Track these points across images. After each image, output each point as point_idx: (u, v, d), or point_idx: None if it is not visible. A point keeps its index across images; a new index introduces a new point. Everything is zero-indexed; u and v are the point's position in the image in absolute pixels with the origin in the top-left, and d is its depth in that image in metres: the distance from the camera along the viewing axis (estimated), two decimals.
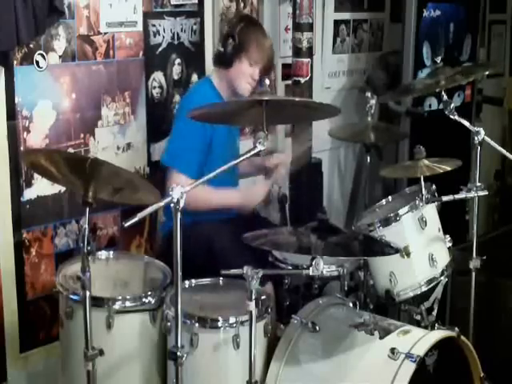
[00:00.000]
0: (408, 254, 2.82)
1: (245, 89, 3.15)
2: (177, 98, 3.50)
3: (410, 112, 4.24)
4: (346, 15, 4.46)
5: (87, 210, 2.24)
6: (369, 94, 3.44)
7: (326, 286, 2.91)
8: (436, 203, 2.90)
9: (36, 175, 3.00)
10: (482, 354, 2.66)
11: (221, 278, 2.80)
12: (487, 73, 3.74)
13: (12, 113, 2.95)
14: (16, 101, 2.95)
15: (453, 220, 3.03)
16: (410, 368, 2.37)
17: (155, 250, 3.44)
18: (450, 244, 2.96)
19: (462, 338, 2.57)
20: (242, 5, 3.83)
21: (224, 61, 3.14)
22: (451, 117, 2.95)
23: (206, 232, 3.08)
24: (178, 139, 3.10)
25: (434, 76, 3.22)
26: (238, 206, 3.16)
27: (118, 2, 3.23)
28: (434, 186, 2.92)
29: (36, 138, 3.03)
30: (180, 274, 2.15)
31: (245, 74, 3.13)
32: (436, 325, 2.87)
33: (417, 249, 2.84)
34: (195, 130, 2.97)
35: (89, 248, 2.20)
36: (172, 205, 2.09)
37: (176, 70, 3.53)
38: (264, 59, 3.15)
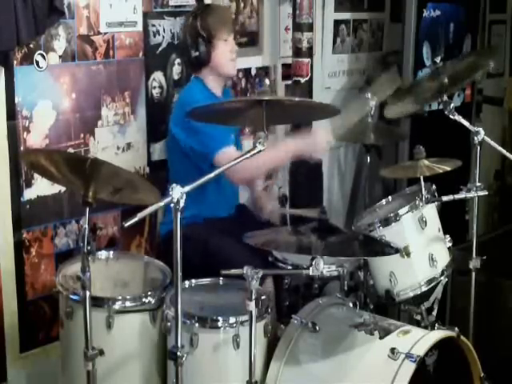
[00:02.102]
0: (408, 254, 2.82)
1: (231, 68, 3.19)
2: (177, 98, 3.50)
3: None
4: (346, 15, 4.46)
5: (87, 210, 2.24)
6: (369, 95, 3.44)
7: (326, 286, 2.91)
8: (436, 203, 2.90)
9: (36, 175, 3.00)
10: (482, 354, 2.66)
11: (221, 278, 2.80)
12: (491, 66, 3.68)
13: (12, 113, 2.95)
14: (16, 101, 2.95)
15: (453, 220, 3.03)
16: (410, 368, 2.37)
17: (155, 250, 3.44)
18: (450, 244, 2.96)
19: (462, 338, 2.58)
20: (242, 5, 3.83)
21: (203, 60, 3.14)
22: (451, 117, 2.95)
23: (205, 233, 3.08)
24: (205, 131, 3.02)
25: (437, 76, 3.21)
26: (298, 154, 3.11)
27: (118, 1, 3.23)
28: (434, 186, 2.92)
29: (36, 138, 3.03)
30: (180, 274, 2.15)
31: (225, 55, 3.15)
32: (436, 325, 2.87)
33: (417, 249, 2.84)
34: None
35: (89, 248, 2.20)
36: (172, 205, 2.09)
37: (176, 70, 3.53)
38: (232, 28, 3.21)
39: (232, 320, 2.51)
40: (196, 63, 3.17)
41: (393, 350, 2.41)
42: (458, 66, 3.29)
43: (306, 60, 3.83)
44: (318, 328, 2.56)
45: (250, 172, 3.01)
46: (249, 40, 3.86)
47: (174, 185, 2.10)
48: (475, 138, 2.90)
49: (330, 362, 2.52)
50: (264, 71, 3.99)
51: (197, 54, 3.13)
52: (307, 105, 2.63)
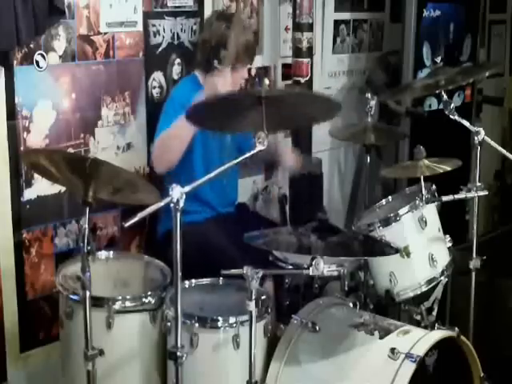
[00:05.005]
0: (408, 254, 2.82)
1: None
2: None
3: (409, 112, 4.24)
4: (346, 15, 4.46)
5: (87, 210, 2.24)
6: (369, 95, 3.44)
7: (327, 286, 2.90)
8: (436, 203, 2.90)
9: (36, 175, 3.00)
10: (482, 354, 2.66)
11: (221, 278, 2.80)
12: (487, 74, 3.75)
13: (12, 113, 2.95)
14: (16, 101, 2.95)
15: (453, 220, 3.03)
16: (410, 368, 2.37)
17: (153, 250, 3.44)
18: (450, 244, 2.96)
19: (462, 338, 2.57)
20: (242, 5, 3.83)
21: (212, 70, 3.11)
22: (451, 117, 2.95)
23: (205, 232, 3.08)
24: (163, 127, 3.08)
25: (434, 76, 3.22)
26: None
27: (118, 2, 3.23)
28: (434, 186, 2.92)
29: (36, 137, 3.03)
30: (180, 274, 2.15)
31: (238, 78, 3.15)
32: (436, 325, 2.86)
33: (417, 249, 2.84)
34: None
35: (89, 248, 2.20)
36: (172, 205, 2.09)
37: (176, 70, 3.53)
38: (250, 56, 3.18)
39: (232, 320, 2.51)
40: (207, 67, 3.15)
41: (393, 350, 2.41)
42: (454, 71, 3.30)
43: (306, 60, 3.83)
44: (318, 328, 2.56)
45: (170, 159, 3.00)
46: None
47: (173, 185, 2.10)
48: (475, 138, 2.89)
49: (330, 362, 2.52)
50: (264, 71, 3.99)
51: (214, 61, 3.09)
52: (307, 101, 2.58)
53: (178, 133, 2.92)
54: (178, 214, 2.10)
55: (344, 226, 4.26)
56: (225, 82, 3.04)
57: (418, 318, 2.91)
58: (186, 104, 2.57)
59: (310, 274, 2.34)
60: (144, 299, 2.63)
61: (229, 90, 3.01)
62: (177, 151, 2.94)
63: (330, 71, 4.44)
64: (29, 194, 3.04)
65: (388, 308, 3.17)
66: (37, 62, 2.99)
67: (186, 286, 2.75)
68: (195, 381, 2.51)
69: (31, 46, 2.95)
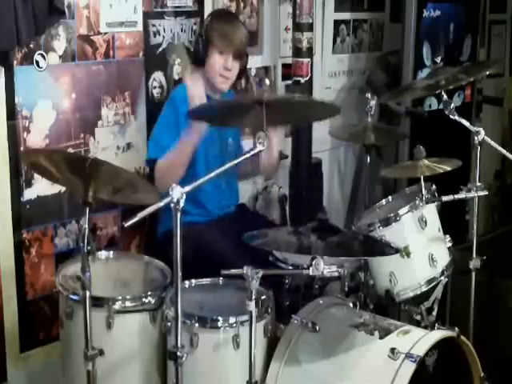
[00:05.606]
0: (408, 254, 2.82)
1: (219, 82, 3.11)
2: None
3: (409, 112, 4.24)
4: (345, 15, 4.46)
5: (87, 210, 2.24)
6: (369, 95, 3.44)
7: (327, 286, 2.90)
8: (436, 203, 2.90)
9: (36, 175, 3.00)
10: (482, 354, 2.66)
11: (221, 278, 2.80)
12: (488, 73, 3.75)
13: (12, 113, 2.95)
14: (16, 101, 2.95)
15: (453, 220, 3.03)
16: (410, 368, 2.36)
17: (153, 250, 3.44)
18: (450, 244, 2.96)
19: (462, 337, 2.57)
20: (242, 5, 3.83)
21: (198, 59, 3.15)
22: (451, 117, 2.95)
23: (205, 232, 3.08)
24: (156, 135, 3.11)
25: (434, 76, 3.22)
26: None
27: (118, 2, 3.23)
28: (434, 186, 2.92)
29: (36, 137, 3.03)
30: (180, 274, 2.15)
31: (216, 65, 3.09)
32: (436, 325, 2.86)
33: (417, 249, 2.83)
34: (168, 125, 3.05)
35: (89, 248, 2.20)
36: (172, 205, 2.09)
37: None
38: (232, 46, 3.10)
39: (232, 320, 2.51)
40: (194, 60, 3.22)
41: (393, 350, 2.41)
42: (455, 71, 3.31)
43: (306, 60, 3.83)
44: (318, 328, 2.56)
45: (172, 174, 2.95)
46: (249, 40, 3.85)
47: (173, 185, 2.10)
48: (475, 138, 2.90)
49: (330, 362, 2.52)
50: (264, 71, 3.99)
51: (195, 50, 3.18)
52: (307, 103, 2.60)
53: (177, 160, 2.93)
54: (178, 214, 2.10)
55: (344, 226, 4.26)
56: (217, 64, 3.08)
57: (418, 318, 2.91)
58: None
59: (310, 274, 2.34)
60: (144, 299, 2.63)
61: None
62: (178, 175, 2.91)
63: (330, 71, 4.45)
64: (29, 194, 3.04)
65: (388, 308, 3.17)
66: (37, 62, 2.99)
67: (186, 285, 2.75)
68: (195, 381, 2.51)
69: (31, 46, 2.95)
